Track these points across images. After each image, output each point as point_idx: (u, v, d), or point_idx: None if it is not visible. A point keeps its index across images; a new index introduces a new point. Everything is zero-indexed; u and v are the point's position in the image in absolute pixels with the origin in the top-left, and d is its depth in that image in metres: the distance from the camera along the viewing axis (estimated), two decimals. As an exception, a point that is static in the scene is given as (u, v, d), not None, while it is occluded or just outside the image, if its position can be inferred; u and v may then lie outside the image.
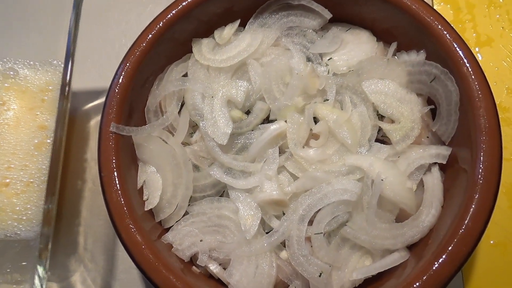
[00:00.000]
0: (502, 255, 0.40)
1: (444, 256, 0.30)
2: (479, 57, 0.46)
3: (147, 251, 0.33)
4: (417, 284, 0.30)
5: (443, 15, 0.48)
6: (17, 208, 0.39)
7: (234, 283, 0.35)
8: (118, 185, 0.34)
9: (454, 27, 0.36)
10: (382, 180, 0.34)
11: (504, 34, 0.46)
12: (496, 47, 0.46)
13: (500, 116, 0.42)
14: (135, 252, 0.33)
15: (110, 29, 0.52)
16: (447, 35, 0.36)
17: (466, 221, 0.31)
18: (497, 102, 0.43)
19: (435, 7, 0.47)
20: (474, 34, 0.47)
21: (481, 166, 0.32)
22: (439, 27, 0.36)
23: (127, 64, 0.38)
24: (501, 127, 0.42)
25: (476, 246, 0.31)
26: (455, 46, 0.35)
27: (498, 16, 0.47)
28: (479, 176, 0.32)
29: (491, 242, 0.40)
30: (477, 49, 0.46)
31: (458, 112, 0.36)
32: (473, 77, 0.34)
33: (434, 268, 0.30)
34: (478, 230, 0.31)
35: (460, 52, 0.35)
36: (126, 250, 0.33)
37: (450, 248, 0.31)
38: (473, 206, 0.31)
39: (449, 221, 0.33)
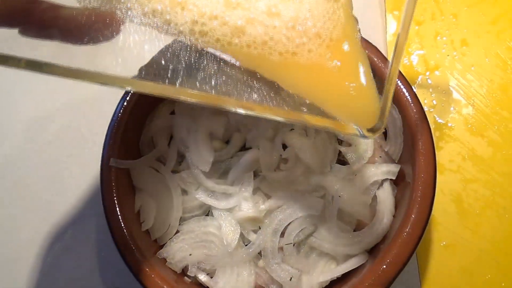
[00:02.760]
0: (452, 255, 0.46)
1: (390, 258, 0.37)
2: (429, 82, 0.53)
3: (144, 265, 0.39)
4: (368, 283, 0.36)
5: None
6: None
7: (220, 289, 0.41)
8: (118, 211, 0.41)
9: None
10: (339, 196, 0.41)
11: (449, 61, 0.53)
12: (443, 73, 0.52)
13: (447, 134, 0.49)
14: (134, 266, 0.39)
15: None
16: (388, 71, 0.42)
17: (407, 228, 0.37)
18: (443, 122, 0.50)
19: (387, 39, 0.54)
20: (424, 62, 0.53)
21: (419, 181, 0.39)
22: (381, 65, 0.42)
23: (123, 105, 0.44)
24: (448, 143, 0.49)
25: (415, 248, 0.37)
26: (397, 80, 0.42)
27: (444, 45, 0.54)
28: (418, 190, 0.38)
29: (442, 244, 0.46)
30: (427, 74, 0.53)
31: (403, 136, 0.42)
32: (411, 106, 0.41)
33: (382, 268, 0.37)
34: (417, 235, 0.37)
35: (401, 86, 0.42)
36: (127, 265, 0.39)
37: (394, 251, 0.37)
38: (412, 215, 0.38)
39: (397, 228, 0.39)
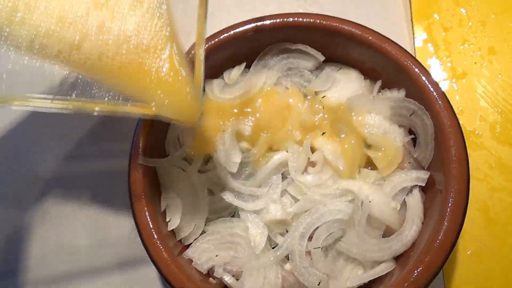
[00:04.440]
0: (478, 264, 0.45)
1: (422, 266, 0.36)
2: (455, 88, 0.52)
3: (172, 265, 0.39)
4: (401, 289, 0.36)
5: (423, 51, 0.55)
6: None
7: (246, 292, 0.41)
8: (146, 209, 0.41)
9: (427, 69, 0.42)
10: (370, 201, 0.40)
11: (476, 68, 0.52)
12: (470, 80, 0.52)
13: (474, 141, 0.49)
14: (162, 266, 0.39)
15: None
16: (422, 77, 0.42)
17: (440, 236, 0.37)
18: (470, 129, 0.49)
19: (416, 45, 0.54)
20: (451, 68, 0.53)
21: (451, 189, 0.38)
22: (416, 70, 0.42)
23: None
24: (475, 151, 0.49)
25: (448, 257, 0.37)
26: (429, 87, 0.41)
27: (471, 52, 0.53)
28: (450, 197, 0.38)
29: (468, 252, 0.46)
30: (453, 81, 0.53)
31: (434, 142, 0.42)
32: (444, 112, 0.41)
33: (413, 275, 0.36)
34: (450, 243, 0.37)
35: (434, 92, 0.41)
36: (154, 265, 0.39)
37: (427, 259, 0.37)
38: (445, 223, 0.37)
39: (427, 236, 0.39)
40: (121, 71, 0.33)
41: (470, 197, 0.47)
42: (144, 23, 0.34)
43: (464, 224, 0.46)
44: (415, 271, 0.36)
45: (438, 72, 0.53)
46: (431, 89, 0.41)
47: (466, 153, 0.39)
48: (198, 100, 0.35)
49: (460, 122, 0.50)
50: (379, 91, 0.46)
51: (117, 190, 0.51)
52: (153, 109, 0.34)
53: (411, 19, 0.55)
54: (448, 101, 0.41)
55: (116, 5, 0.33)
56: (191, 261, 0.42)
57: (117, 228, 0.51)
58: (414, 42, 0.54)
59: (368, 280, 0.40)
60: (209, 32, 0.46)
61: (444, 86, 0.52)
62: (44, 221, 0.51)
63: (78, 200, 0.52)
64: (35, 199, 0.52)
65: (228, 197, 0.43)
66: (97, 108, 0.33)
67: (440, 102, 0.41)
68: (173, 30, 0.35)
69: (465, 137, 0.50)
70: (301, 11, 0.58)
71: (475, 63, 0.53)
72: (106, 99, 0.34)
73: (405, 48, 0.43)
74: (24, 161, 0.54)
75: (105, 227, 0.51)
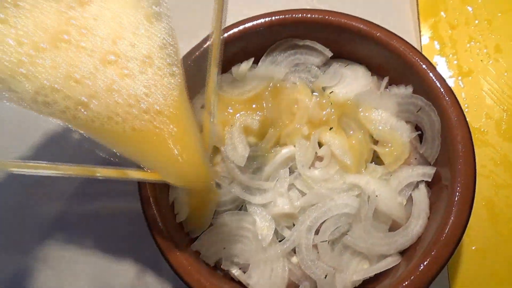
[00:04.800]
0: (482, 259, 0.46)
1: (428, 259, 0.37)
2: (461, 85, 0.53)
3: (180, 257, 0.39)
4: (406, 283, 0.36)
5: (430, 49, 0.55)
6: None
7: (253, 284, 0.41)
8: (154, 202, 0.41)
9: (435, 66, 0.43)
10: (376, 196, 0.41)
11: (482, 66, 0.53)
12: (476, 78, 0.52)
13: (479, 138, 0.49)
14: (171, 257, 0.39)
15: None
16: (430, 73, 0.42)
17: (446, 230, 0.37)
18: (476, 126, 0.50)
19: (422, 43, 0.54)
20: (457, 66, 0.53)
21: (458, 184, 0.39)
22: (423, 66, 0.42)
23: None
24: (480, 148, 0.49)
25: (454, 251, 0.37)
26: (437, 83, 0.42)
27: (477, 50, 0.54)
28: (457, 192, 0.38)
29: (473, 248, 0.46)
30: (459, 78, 0.53)
31: (440, 138, 0.42)
32: (452, 109, 0.41)
33: (420, 269, 0.37)
34: (456, 237, 0.37)
35: (441, 88, 0.42)
36: (163, 256, 0.39)
37: (433, 252, 0.37)
38: (451, 218, 0.38)
39: (433, 230, 0.39)
40: (130, 134, 0.31)
41: (476, 194, 0.48)
42: (155, 82, 0.32)
43: (470, 220, 0.47)
44: (421, 265, 0.37)
45: (444, 70, 0.53)
46: (438, 85, 0.42)
47: (473, 149, 0.40)
48: (206, 167, 0.34)
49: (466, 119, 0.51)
50: (386, 87, 0.47)
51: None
52: (161, 176, 0.33)
53: (418, 17, 0.56)
54: (455, 97, 0.41)
55: (126, 63, 0.32)
56: (199, 253, 0.42)
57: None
58: (420, 40, 0.55)
59: (374, 273, 0.41)
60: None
61: (450, 84, 0.53)
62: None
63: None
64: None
65: (236, 190, 0.43)
66: (98, 174, 0.32)
67: (447, 98, 0.41)
68: (184, 91, 0.33)
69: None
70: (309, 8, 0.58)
71: (481, 61, 0.53)
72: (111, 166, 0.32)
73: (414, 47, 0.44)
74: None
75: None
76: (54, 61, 0.30)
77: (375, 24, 0.45)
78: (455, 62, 0.54)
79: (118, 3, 0.32)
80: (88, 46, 0.31)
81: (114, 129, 0.31)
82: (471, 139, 0.40)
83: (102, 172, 0.32)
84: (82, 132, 0.32)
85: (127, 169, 0.33)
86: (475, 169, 0.39)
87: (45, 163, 0.31)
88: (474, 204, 0.47)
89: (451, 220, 0.38)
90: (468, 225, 0.47)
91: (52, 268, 0.50)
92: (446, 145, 0.41)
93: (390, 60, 0.45)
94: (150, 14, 0.33)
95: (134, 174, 0.33)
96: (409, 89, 0.45)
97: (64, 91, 0.30)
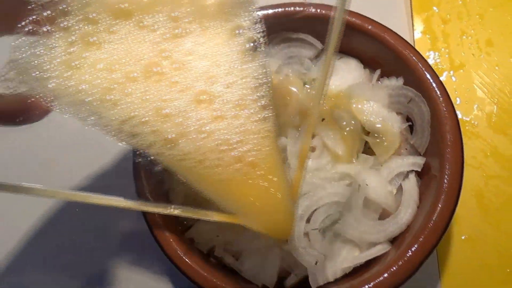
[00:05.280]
0: (472, 248, 0.46)
1: (415, 246, 0.38)
2: (453, 79, 0.53)
3: (174, 244, 0.40)
4: (394, 268, 0.37)
5: (422, 43, 0.56)
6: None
7: (245, 271, 0.42)
8: (148, 189, 0.42)
9: (426, 59, 0.44)
10: (367, 185, 0.42)
11: (474, 60, 0.54)
12: (467, 71, 0.53)
13: (470, 131, 0.50)
14: (164, 244, 0.40)
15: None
16: (420, 65, 0.43)
17: (434, 218, 0.38)
18: (467, 119, 0.51)
19: (415, 37, 0.55)
20: (449, 60, 0.54)
21: (446, 172, 0.39)
22: (414, 58, 0.43)
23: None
24: (471, 140, 0.50)
25: (441, 237, 0.38)
26: (427, 74, 0.43)
27: (469, 44, 0.54)
28: (445, 181, 0.39)
29: (462, 237, 0.47)
30: (451, 72, 0.54)
31: (430, 129, 0.43)
32: (441, 99, 0.42)
33: (407, 255, 0.37)
34: (443, 224, 0.38)
35: (431, 80, 0.42)
36: (157, 243, 0.40)
37: (420, 239, 0.38)
38: (439, 205, 0.38)
39: (422, 218, 0.40)
40: (218, 180, 0.30)
41: (465, 184, 0.48)
42: (248, 128, 0.30)
43: (459, 210, 0.48)
44: (409, 251, 0.38)
45: (436, 63, 0.54)
46: (428, 76, 0.42)
47: (461, 138, 0.40)
48: (292, 218, 0.33)
49: (457, 111, 0.52)
50: (378, 80, 0.48)
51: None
52: (242, 221, 0.33)
53: (411, 12, 0.57)
54: (445, 88, 0.42)
55: (219, 104, 0.29)
56: (193, 240, 0.43)
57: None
58: (413, 34, 0.55)
59: (363, 261, 0.41)
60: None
61: (442, 77, 0.54)
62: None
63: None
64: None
65: (229, 179, 0.44)
66: (176, 212, 0.33)
67: (436, 89, 0.42)
68: (275, 138, 0.31)
69: (461, 126, 0.51)
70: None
71: (473, 55, 0.54)
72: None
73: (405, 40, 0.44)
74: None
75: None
76: (144, 92, 0.29)
77: (368, 18, 0.46)
78: (447, 56, 0.54)
79: (213, 39, 0.30)
80: (180, 82, 0.29)
81: (202, 172, 0.30)
82: (459, 129, 0.41)
83: (177, 210, 0.33)
84: (166, 166, 0.31)
85: (207, 211, 0.34)
86: (462, 158, 0.40)
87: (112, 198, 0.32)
88: (464, 195, 0.48)
89: (438, 208, 0.38)
90: (458, 215, 0.48)
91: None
92: (435, 135, 0.42)
93: (382, 53, 0.46)
94: (245, 51, 0.31)
95: (214, 216, 0.34)
96: (400, 81, 0.45)
97: (153, 124, 0.29)
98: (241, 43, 0.31)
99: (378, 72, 0.48)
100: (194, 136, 0.29)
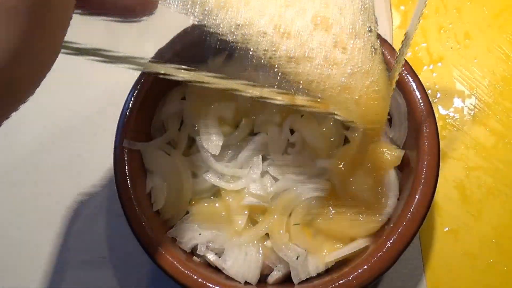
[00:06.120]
0: (455, 240, 0.47)
1: (394, 236, 0.38)
2: (432, 73, 0.54)
3: (156, 242, 0.40)
4: (373, 260, 0.37)
5: (400, 38, 0.56)
6: None
7: (227, 268, 0.42)
8: (130, 190, 0.42)
9: (396, 50, 0.44)
10: (345, 179, 0.42)
11: (452, 53, 0.54)
12: (446, 65, 0.54)
13: (450, 123, 0.50)
14: (146, 243, 0.40)
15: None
16: (390, 58, 0.43)
17: (411, 209, 0.38)
18: (448, 112, 0.51)
19: (393, 32, 0.56)
20: (428, 54, 0.55)
21: (424, 164, 0.40)
22: (386, 52, 0.44)
23: (136, 91, 0.46)
24: (451, 132, 0.50)
25: (419, 227, 0.38)
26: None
27: (447, 38, 0.55)
28: (423, 172, 0.40)
29: (445, 229, 0.47)
30: (431, 66, 0.54)
31: (407, 121, 0.43)
32: (416, 92, 0.42)
33: (386, 246, 0.38)
34: (421, 214, 0.38)
35: (405, 72, 0.43)
36: (139, 242, 0.40)
37: (399, 230, 0.38)
38: (417, 196, 0.39)
39: (400, 210, 0.40)
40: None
41: (447, 176, 0.49)
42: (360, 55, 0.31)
43: (441, 202, 0.48)
44: (388, 242, 0.38)
45: (415, 58, 0.55)
46: (403, 69, 0.43)
47: (437, 129, 0.41)
48: (388, 105, 0.34)
49: (438, 105, 0.52)
50: (355, 75, 0.48)
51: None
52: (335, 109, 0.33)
53: (390, 5, 0.57)
54: (419, 80, 0.42)
55: (336, 30, 0.31)
56: (175, 240, 0.43)
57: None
58: (392, 29, 0.56)
59: (345, 254, 0.41)
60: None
61: (421, 71, 0.54)
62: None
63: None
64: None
65: (211, 178, 0.44)
66: (255, 92, 0.32)
67: (412, 81, 0.42)
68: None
69: (442, 119, 0.52)
70: None
71: (451, 48, 0.54)
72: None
73: (384, 34, 0.45)
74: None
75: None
76: (262, 4, 0.30)
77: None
78: (426, 50, 0.55)
79: None
80: (298, 5, 0.31)
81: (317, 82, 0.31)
82: (435, 120, 0.41)
83: (256, 89, 0.32)
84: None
85: (297, 95, 0.33)
86: (438, 148, 0.40)
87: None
88: (445, 187, 0.49)
89: (416, 198, 0.39)
90: (440, 207, 0.48)
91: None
92: (412, 128, 0.43)
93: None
94: None
95: (302, 102, 0.33)
96: (377, 75, 0.46)
97: (270, 37, 0.30)
98: None
99: (355, 67, 0.48)
100: (314, 60, 0.31)
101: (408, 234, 0.38)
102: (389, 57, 0.43)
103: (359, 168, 0.44)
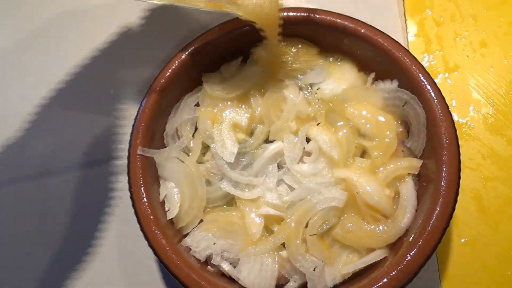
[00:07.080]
0: (471, 252, 0.46)
1: (414, 250, 0.37)
2: (448, 81, 0.53)
3: (170, 252, 0.40)
4: (393, 273, 0.37)
5: (417, 46, 0.56)
6: None
7: (243, 279, 0.41)
8: (145, 198, 0.41)
9: (419, 61, 0.44)
10: (364, 189, 0.41)
11: (468, 61, 0.54)
12: (462, 73, 0.53)
13: (466, 132, 0.50)
14: (161, 253, 0.40)
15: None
16: (414, 67, 0.43)
17: (432, 221, 0.38)
18: (463, 121, 0.50)
19: (408, 40, 0.55)
20: (444, 62, 0.54)
21: (443, 175, 0.39)
22: (407, 61, 0.43)
23: (150, 97, 0.45)
24: (468, 142, 0.50)
25: (440, 240, 0.37)
26: (421, 77, 0.42)
27: (463, 46, 0.54)
28: (442, 183, 0.39)
29: (462, 240, 0.46)
30: (446, 74, 0.54)
31: (426, 131, 0.43)
32: (436, 101, 0.42)
33: (406, 259, 0.37)
34: (441, 227, 0.38)
35: (425, 82, 0.42)
36: (153, 252, 0.40)
37: (419, 243, 0.37)
38: (437, 208, 0.38)
39: (420, 222, 0.40)
40: None
41: (463, 186, 0.48)
42: None
43: (458, 213, 0.48)
44: (408, 255, 0.37)
45: (431, 66, 0.54)
46: (423, 79, 0.42)
47: (457, 140, 0.40)
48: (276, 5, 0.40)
49: (453, 113, 0.52)
50: (372, 83, 0.47)
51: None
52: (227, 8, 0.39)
53: (404, 15, 0.57)
54: (439, 90, 0.42)
55: None
56: (190, 249, 0.43)
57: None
58: (407, 37, 0.55)
59: (363, 265, 0.41)
60: (206, 26, 0.48)
61: (437, 80, 0.53)
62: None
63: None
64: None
65: (225, 186, 0.44)
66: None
67: (431, 91, 0.42)
68: None
69: (458, 128, 0.51)
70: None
71: (467, 56, 0.54)
72: None
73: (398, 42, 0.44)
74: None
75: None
76: None
77: (360, 21, 0.46)
78: (441, 58, 0.54)
79: None
80: None
81: None
82: (455, 130, 0.40)
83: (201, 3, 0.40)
84: None
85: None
86: (459, 160, 0.39)
87: None
88: (462, 197, 0.48)
89: (436, 211, 0.38)
90: (457, 218, 0.48)
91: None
92: (431, 138, 0.42)
93: (376, 56, 0.46)
94: None
95: (198, 2, 0.39)
96: (395, 84, 0.45)
97: None
98: None
99: (372, 75, 0.47)
100: None
101: (429, 247, 0.37)
102: (407, 60, 0.43)
103: (376, 177, 0.43)
